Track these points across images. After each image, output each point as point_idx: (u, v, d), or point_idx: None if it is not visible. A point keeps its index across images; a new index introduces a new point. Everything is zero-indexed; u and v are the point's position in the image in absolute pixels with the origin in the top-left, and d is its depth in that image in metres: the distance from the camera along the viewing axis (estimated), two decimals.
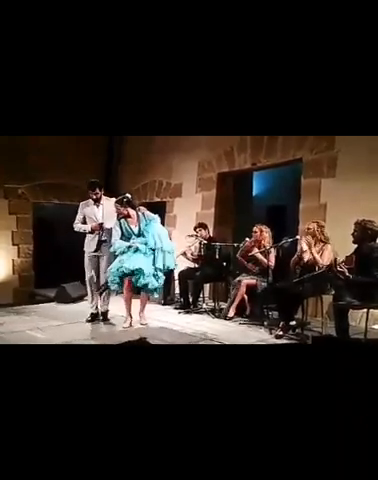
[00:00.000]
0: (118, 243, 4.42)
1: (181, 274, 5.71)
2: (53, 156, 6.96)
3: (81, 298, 6.13)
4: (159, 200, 7.46)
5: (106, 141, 7.88)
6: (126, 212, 4.46)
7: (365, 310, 3.78)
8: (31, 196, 7.24)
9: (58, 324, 4.73)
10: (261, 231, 4.97)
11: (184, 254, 5.69)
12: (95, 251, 4.70)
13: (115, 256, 4.45)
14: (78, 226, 4.78)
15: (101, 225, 4.63)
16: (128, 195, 4.56)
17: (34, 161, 6.87)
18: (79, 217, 4.81)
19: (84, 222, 4.76)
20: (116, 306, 4.94)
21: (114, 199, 4.55)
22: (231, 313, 5.01)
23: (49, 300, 6.30)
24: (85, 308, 5.01)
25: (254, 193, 7.21)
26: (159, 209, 7.29)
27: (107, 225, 4.62)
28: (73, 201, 7.37)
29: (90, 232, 4.68)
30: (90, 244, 4.72)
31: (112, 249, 4.48)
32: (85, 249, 4.78)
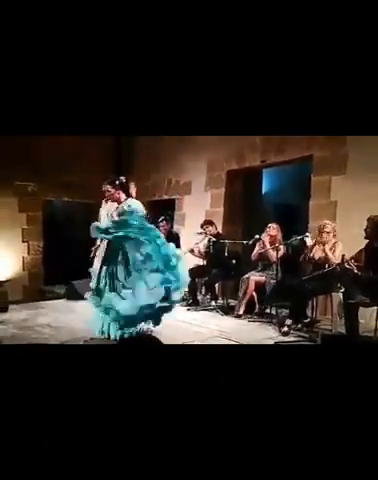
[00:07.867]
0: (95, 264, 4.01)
1: (190, 272, 5.71)
2: (63, 153, 6.96)
3: None
4: (168, 198, 7.46)
5: (116, 139, 7.87)
6: (117, 196, 3.90)
7: (375, 308, 3.76)
8: (41, 193, 7.27)
9: (67, 321, 4.77)
10: (275, 228, 5.04)
11: (191, 251, 5.69)
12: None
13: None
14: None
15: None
16: (122, 178, 3.99)
17: (44, 158, 6.88)
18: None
19: None
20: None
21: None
22: (240, 310, 5.01)
23: (58, 297, 6.34)
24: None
25: (263, 191, 7.18)
26: (168, 207, 7.33)
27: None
28: (83, 199, 7.43)
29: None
30: None
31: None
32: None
